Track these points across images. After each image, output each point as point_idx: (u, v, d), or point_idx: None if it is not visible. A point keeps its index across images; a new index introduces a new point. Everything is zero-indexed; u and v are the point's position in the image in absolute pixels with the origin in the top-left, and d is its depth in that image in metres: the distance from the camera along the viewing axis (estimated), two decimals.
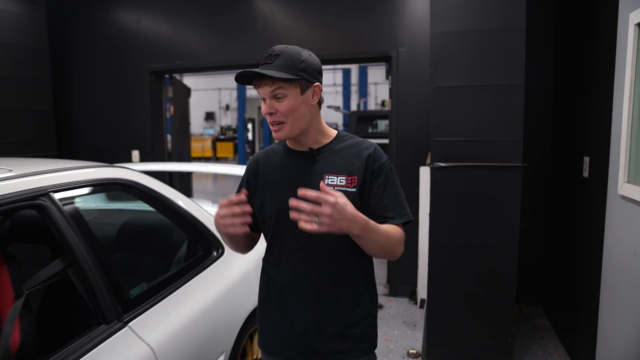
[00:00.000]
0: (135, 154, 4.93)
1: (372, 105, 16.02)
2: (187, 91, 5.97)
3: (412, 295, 4.12)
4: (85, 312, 1.46)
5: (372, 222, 1.32)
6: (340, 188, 1.43)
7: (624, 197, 2.26)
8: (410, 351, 3.21)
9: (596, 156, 2.70)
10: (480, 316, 2.84)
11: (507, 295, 2.80)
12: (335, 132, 1.54)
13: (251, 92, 17.13)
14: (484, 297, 2.83)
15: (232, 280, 2.09)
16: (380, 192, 1.45)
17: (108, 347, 1.39)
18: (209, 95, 21.34)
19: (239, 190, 1.49)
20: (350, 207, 1.22)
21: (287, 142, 1.53)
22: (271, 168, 1.54)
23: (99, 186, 1.70)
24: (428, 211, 3.05)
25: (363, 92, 14.57)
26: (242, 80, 1.39)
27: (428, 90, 2.97)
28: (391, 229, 1.40)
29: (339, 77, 16.97)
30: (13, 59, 4.43)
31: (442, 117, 2.76)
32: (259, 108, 19.14)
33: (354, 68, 16.19)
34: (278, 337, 1.54)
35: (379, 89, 16.71)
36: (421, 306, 3.93)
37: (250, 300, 1.99)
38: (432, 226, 2.90)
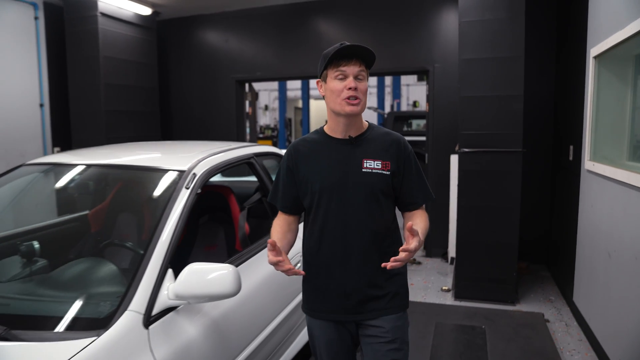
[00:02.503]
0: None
1: (404, 106, 17.04)
2: (255, 95, 7.26)
3: (444, 255, 5.28)
4: (266, 224, 2.68)
5: (422, 237, 1.56)
6: (376, 171, 1.66)
7: (588, 170, 3.41)
8: (443, 288, 4.39)
9: (576, 145, 3.82)
10: (492, 258, 4.00)
11: (511, 242, 3.94)
12: (367, 123, 1.78)
13: (289, 93, 18.41)
14: (495, 243, 3.98)
15: None
16: (409, 178, 1.71)
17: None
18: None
19: (277, 177, 1.82)
20: (417, 246, 1.49)
21: (326, 130, 1.75)
22: (313, 153, 1.73)
23: (268, 155, 2.94)
24: (456, 186, 4.23)
25: (396, 94, 15.60)
26: (336, 55, 1.59)
27: (456, 97, 4.13)
28: (423, 222, 1.68)
29: (373, 79, 18.06)
30: (133, 72, 5.78)
31: (466, 117, 3.93)
32: (296, 108, 20.41)
33: None
34: (319, 300, 1.74)
35: (410, 90, 17.69)
36: (451, 263, 5.08)
37: None
38: (459, 194, 4.09)
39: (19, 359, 1.30)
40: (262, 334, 2.14)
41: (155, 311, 1.54)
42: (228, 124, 6.19)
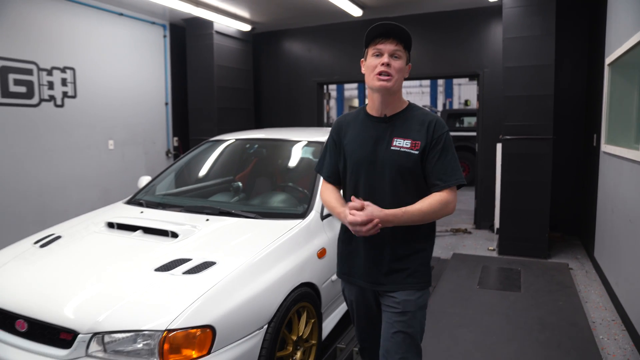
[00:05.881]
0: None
1: (456, 104, 17.93)
2: (328, 95, 8.54)
3: (490, 226, 6.37)
4: None
5: (402, 211, 1.66)
6: (404, 149, 1.73)
7: (604, 152, 4.45)
8: (489, 248, 5.50)
9: (598, 133, 4.85)
10: (528, 221, 5.08)
11: (544, 209, 5.02)
12: (408, 102, 1.81)
13: (346, 93, 19.67)
14: (530, 210, 5.07)
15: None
16: (435, 159, 1.73)
17: None
18: None
19: (324, 149, 1.97)
20: (376, 214, 1.63)
21: (367, 108, 1.84)
22: (352, 129, 1.84)
23: None
24: (500, 167, 5.34)
25: (449, 93, 16.54)
26: (373, 34, 1.72)
27: (501, 96, 5.24)
28: (426, 204, 1.69)
29: (426, 80, 19.01)
30: (236, 77, 7.20)
31: (508, 112, 5.04)
32: (350, 107, 21.61)
33: None
34: (347, 267, 1.89)
35: (462, 89, 18.53)
36: (496, 233, 6.15)
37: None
38: (502, 172, 5.21)
39: (270, 225, 2.62)
40: None
41: (324, 213, 2.82)
42: (309, 118, 7.50)
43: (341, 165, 1.88)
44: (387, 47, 1.70)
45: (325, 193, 1.92)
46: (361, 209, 1.65)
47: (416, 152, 1.72)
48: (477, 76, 6.31)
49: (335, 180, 1.93)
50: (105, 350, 1.87)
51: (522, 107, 4.97)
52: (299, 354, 2.45)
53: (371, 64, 1.73)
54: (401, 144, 1.73)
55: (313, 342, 2.59)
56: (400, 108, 1.80)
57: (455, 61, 6.39)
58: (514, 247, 5.18)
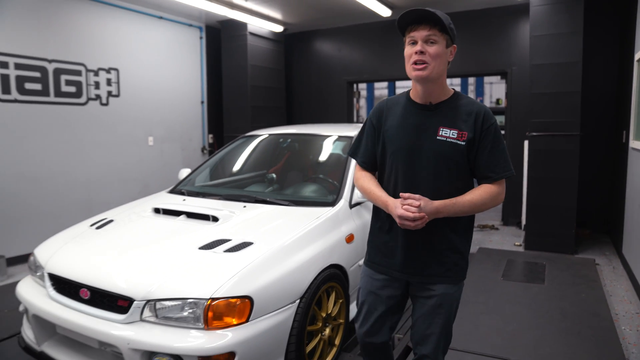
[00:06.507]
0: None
1: (487, 103, 17.78)
2: (358, 93, 8.71)
3: (518, 223, 6.42)
4: None
5: (452, 202, 1.64)
6: (451, 140, 1.67)
7: (632, 148, 4.49)
8: (516, 243, 5.58)
9: (627, 129, 4.87)
10: (555, 217, 5.14)
11: (570, 205, 5.06)
12: (453, 91, 1.74)
13: (376, 92, 19.72)
14: (557, 206, 5.12)
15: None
16: (486, 151, 1.68)
17: None
18: None
19: (360, 133, 1.91)
20: (428, 209, 1.60)
21: (410, 94, 1.76)
22: (394, 115, 1.76)
23: None
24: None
25: (479, 92, 16.41)
26: (404, 22, 1.66)
27: (528, 93, 5.30)
28: (476, 194, 1.68)
29: (456, 79, 18.86)
30: (268, 76, 7.46)
31: (535, 109, 5.11)
32: None
33: None
34: (380, 256, 1.85)
35: (494, 88, 18.33)
36: (523, 229, 6.20)
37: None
38: (529, 168, 5.28)
39: (302, 212, 2.83)
40: None
41: (352, 202, 3.01)
42: (340, 117, 7.69)
43: (379, 152, 1.82)
44: (420, 33, 1.64)
45: (363, 180, 1.86)
46: (417, 205, 1.62)
47: (463, 143, 1.67)
48: (506, 74, 6.37)
49: (371, 166, 1.88)
50: (156, 316, 2.11)
51: (549, 104, 5.04)
52: (327, 330, 2.64)
53: (407, 53, 1.69)
54: (448, 134, 1.68)
55: (341, 321, 2.78)
56: (446, 96, 1.74)
57: (484, 59, 6.47)
58: (540, 243, 5.24)
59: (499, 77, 16.53)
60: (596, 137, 5.77)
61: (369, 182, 1.84)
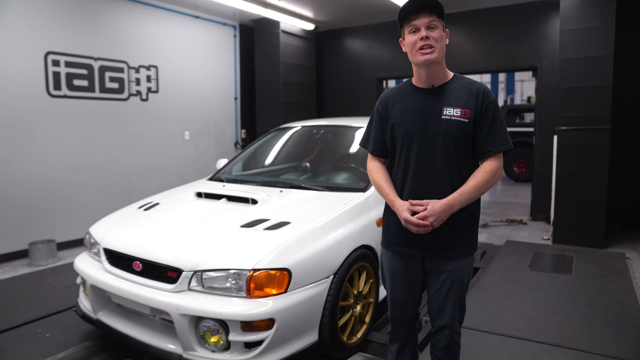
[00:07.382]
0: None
1: (517, 101, 17.58)
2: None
3: (546, 218, 6.43)
4: None
5: (458, 193, 1.75)
6: (455, 118, 1.78)
7: None
8: (544, 237, 5.61)
9: None
10: (584, 211, 5.16)
11: (600, 199, 5.07)
12: (452, 73, 1.87)
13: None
14: (586, 200, 5.14)
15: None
16: (486, 127, 1.79)
17: None
18: None
19: (369, 123, 2.01)
20: (438, 209, 1.72)
21: (413, 81, 1.89)
22: (400, 101, 1.87)
23: None
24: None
25: (510, 89, 16.27)
26: (404, 12, 1.79)
27: (558, 88, 5.33)
28: (478, 178, 1.77)
29: (486, 75, 18.71)
30: (299, 73, 7.65)
31: (565, 103, 5.14)
32: None
33: None
34: (394, 236, 1.94)
35: (524, 85, 18.12)
36: (552, 224, 6.21)
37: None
38: (557, 162, 5.31)
39: (335, 197, 3.00)
40: None
41: None
42: (369, 113, 7.78)
43: (388, 138, 1.92)
44: (421, 21, 1.76)
45: (375, 173, 1.97)
46: (422, 210, 1.76)
47: (466, 120, 1.77)
48: (535, 69, 6.39)
49: (382, 153, 1.98)
50: (202, 286, 2.31)
51: (579, 98, 5.06)
52: (358, 307, 2.80)
53: (410, 41, 1.79)
54: (451, 112, 1.78)
55: (371, 300, 2.94)
56: (447, 78, 1.86)
57: (513, 55, 6.50)
58: (568, 237, 5.27)
59: (530, 75, 16.40)
60: (631, 133, 5.74)
61: (380, 177, 1.94)
